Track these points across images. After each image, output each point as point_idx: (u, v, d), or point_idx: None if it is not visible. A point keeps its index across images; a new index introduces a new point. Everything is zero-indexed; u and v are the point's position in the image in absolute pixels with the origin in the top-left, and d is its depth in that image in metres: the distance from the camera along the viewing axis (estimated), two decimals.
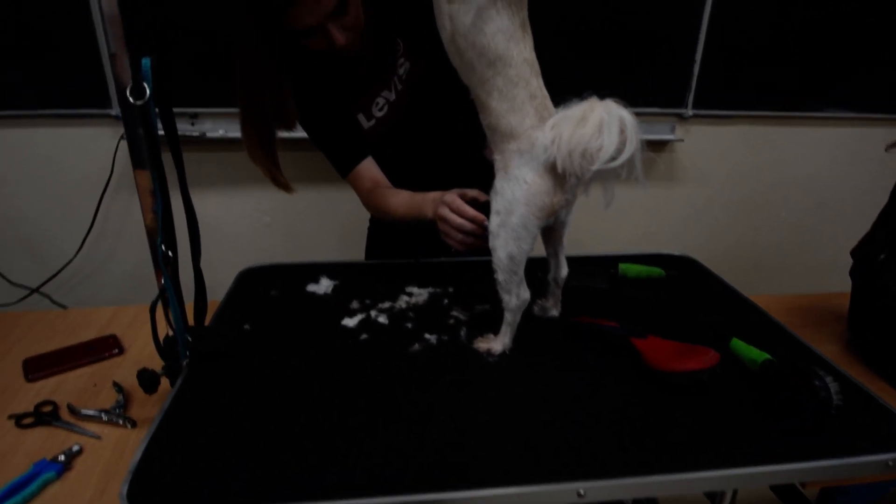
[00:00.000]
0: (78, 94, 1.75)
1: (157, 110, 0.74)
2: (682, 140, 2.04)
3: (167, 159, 0.79)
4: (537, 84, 0.83)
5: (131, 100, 0.70)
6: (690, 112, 1.97)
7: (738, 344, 0.92)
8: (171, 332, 0.90)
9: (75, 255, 1.93)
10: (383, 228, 1.36)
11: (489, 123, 0.85)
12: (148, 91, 0.70)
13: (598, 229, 1.98)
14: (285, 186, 1.12)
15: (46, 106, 1.76)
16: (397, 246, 1.34)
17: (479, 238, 0.96)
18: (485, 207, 0.96)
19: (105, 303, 2.05)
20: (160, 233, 0.78)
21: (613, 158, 0.74)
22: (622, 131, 0.75)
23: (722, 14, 1.84)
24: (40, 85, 1.73)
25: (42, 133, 1.82)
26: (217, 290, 1.22)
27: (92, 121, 1.80)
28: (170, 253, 0.80)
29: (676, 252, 1.35)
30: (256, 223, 2.04)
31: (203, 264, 0.90)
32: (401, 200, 1.12)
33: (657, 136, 2.01)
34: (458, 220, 0.97)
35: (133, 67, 0.71)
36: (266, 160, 1.07)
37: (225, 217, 1.99)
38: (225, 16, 0.97)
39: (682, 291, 1.17)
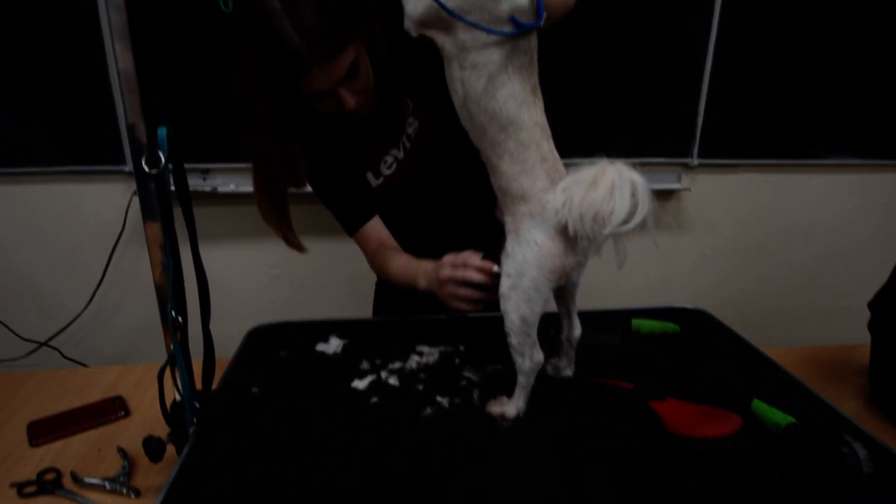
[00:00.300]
0: (93, 150, 1.79)
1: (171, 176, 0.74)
2: (689, 189, 2.05)
3: (177, 215, 0.80)
4: (548, 147, 0.83)
5: (146, 169, 0.71)
6: (696, 161, 1.98)
7: (759, 406, 0.90)
8: (178, 397, 0.88)
9: (84, 309, 1.93)
10: (390, 284, 1.36)
11: (500, 186, 0.85)
12: (163, 160, 0.71)
13: (606, 278, 1.96)
14: (298, 247, 1.12)
15: (61, 162, 1.80)
16: (405, 302, 1.33)
17: (489, 289, 0.93)
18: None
19: (113, 356, 2.05)
20: (171, 298, 0.78)
21: (625, 222, 0.74)
22: (633, 194, 0.75)
23: (723, 65, 1.88)
24: (56, 142, 1.77)
25: (56, 189, 1.85)
26: (225, 343, 1.21)
27: (106, 177, 1.84)
28: (179, 318, 0.80)
29: (689, 305, 1.33)
30: (265, 276, 2.04)
31: (211, 318, 0.90)
32: (398, 266, 1.12)
33: (664, 186, 2.02)
34: (463, 273, 0.94)
35: (149, 136, 0.72)
36: (279, 221, 1.07)
37: (234, 269, 2.00)
38: (237, 78, 0.99)
39: (697, 348, 1.14)
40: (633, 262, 0.78)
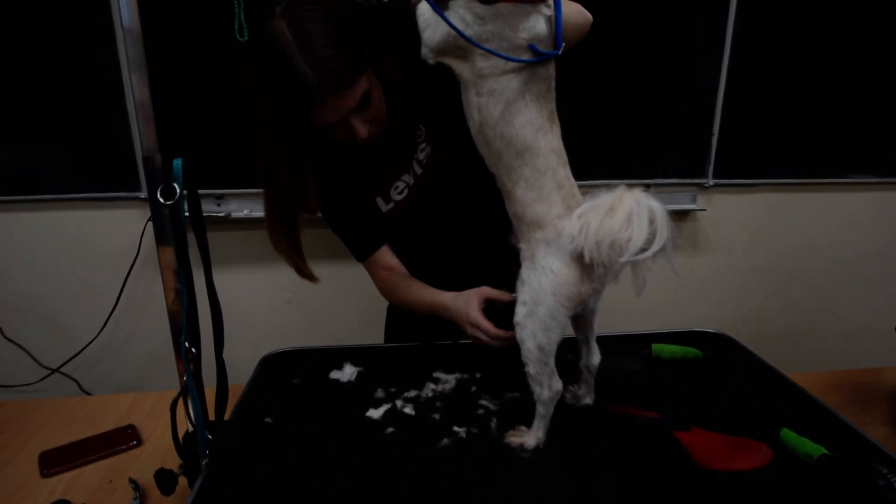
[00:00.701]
0: (108, 177, 1.81)
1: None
2: (705, 209, 2.03)
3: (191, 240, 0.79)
4: (565, 173, 0.82)
5: (161, 200, 0.71)
6: (711, 182, 1.96)
7: (789, 435, 0.86)
8: (191, 428, 0.87)
9: (98, 334, 1.94)
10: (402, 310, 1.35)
11: (515, 212, 0.84)
12: (178, 191, 0.71)
13: (621, 298, 1.92)
14: (309, 277, 1.11)
15: (77, 190, 1.81)
16: (417, 327, 1.31)
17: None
18: (503, 309, 0.94)
19: (127, 381, 2.04)
20: (184, 329, 0.77)
21: (643, 249, 0.72)
22: (652, 221, 0.73)
23: (737, 85, 1.87)
24: (72, 169, 1.79)
25: (72, 215, 1.87)
26: (238, 367, 1.20)
27: (121, 203, 1.85)
28: (193, 349, 0.79)
29: (711, 329, 1.30)
30: (277, 300, 2.04)
31: (224, 343, 0.89)
32: (417, 299, 1.11)
33: (680, 206, 2.00)
34: (498, 343, 0.97)
35: (165, 167, 0.72)
36: (291, 252, 1.07)
37: (247, 293, 1.99)
38: (250, 110, 0.99)
39: (720, 374, 1.11)
40: (648, 281, 0.76)
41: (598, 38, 1.70)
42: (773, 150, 1.99)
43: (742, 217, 2.09)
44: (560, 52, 0.77)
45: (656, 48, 1.81)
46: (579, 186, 1.98)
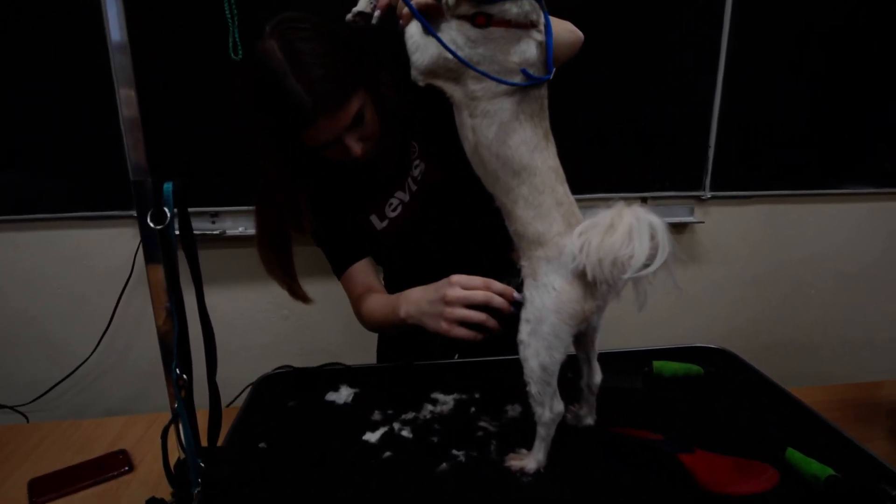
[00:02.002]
0: (101, 196, 1.79)
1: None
2: (703, 222, 2.02)
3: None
4: (563, 191, 0.81)
5: (151, 225, 0.69)
6: (709, 194, 1.96)
7: (794, 455, 0.84)
8: (182, 455, 0.85)
9: (91, 354, 1.91)
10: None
11: (516, 230, 0.83)
12: (168, 215, 0.70)
13: (620, 312, 1.91)
14: (303, 298, 1.10)
15: (72, 208, 1.80)
16: (409, 346, 1.29)
17: (503, 319, 0.86)
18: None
19: (120, 400, 2.01)
20: (175, 356, 0.75)
21: (645, 266, 0.71)
22: (653, 237, 0.72)
23: (733, 97, 1.87)
24: (64, 188, 1.78)
25: (66, 234, 1.85)
26: (234, 385, 1.18)
27: (115, 221, 1.83)
28: (184, 376, 0.77)
29: (712, 344, 1.28)
30: (273, 315, 2.01)
31: (219, 358, 0.87)
32: (377, 302, 1.04)
33: (678, 219, 1.99)
34: (484, 295, 0.85)
35: (155, 191, 0.71)
36: (283, 273, 1.06)
37: (242, 311, 1.97)
38: (244, 129, 0.98)
39: (723, 391, 1.10)
40: (653, 290, 0.75)
41: (593, 52, 1.71)
42: (770, 162, 1.99)
43: (740, 229, 2.08)
44: (551, 77, 0.77)
45: (651, 62, 1.81)
46: (577, 200, 1.97)
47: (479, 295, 0.85)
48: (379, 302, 1.07)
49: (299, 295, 1.10)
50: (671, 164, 1.93)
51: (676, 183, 1.94)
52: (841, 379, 2.24)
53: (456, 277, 0.89)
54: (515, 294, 0.85)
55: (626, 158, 1.89)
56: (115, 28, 0.72)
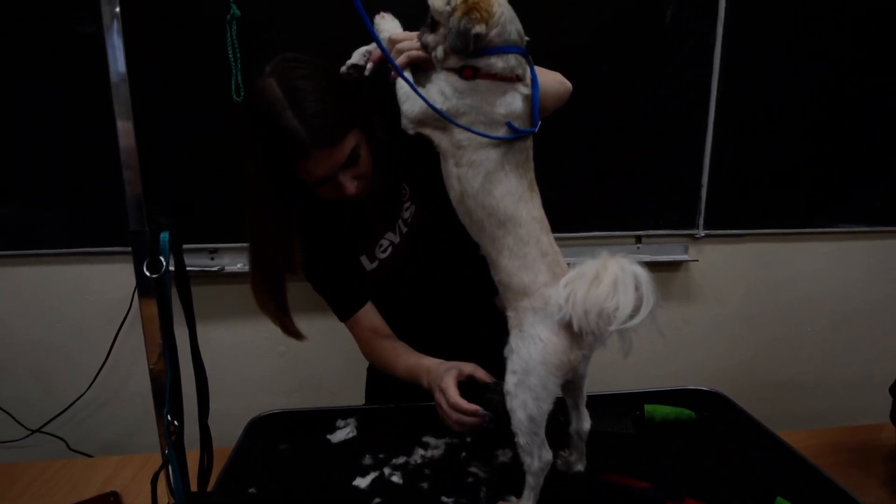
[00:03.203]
0: (101, 231, 1.81)
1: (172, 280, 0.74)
2: (697, 260, 2.03)
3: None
4: (548, 241, 0.83)
5: (147, 274, 0.71)
6: (702, 232, 1.97)
7: None
8: (172, 501, 0.85)
9: (87, 390, 1.91)
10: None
11: (501, 280, 0.85)
12: (164, 264, 0.71)
13: (612, 352, 1.91)
14: (296, 335, 1.11)
15: (72, 244, 1.82)
16: (397, 388, 1.30)
17: (479, 426, 0.93)
18: (484, 389, 0.94)
19: (115, 436, 2.00)
20: (167, 402, 0.76)
21: (631, 317, 0.73)
22: (637, 288, 0.74)
23: (725, 136, 1.90)
24: (64, 224, 1.80)
25: (65, 269, 1.86)
26: (229, 422, 1.18)
27: (114, 257, 1.85)
28: (175, 422, 0.77)
29: (704, 387, 1.29)
30: (270, 352, 2.01)
31: (214, 395, 0.87)
32: (399, 362, 1.10)
33: (671, 257, 2.00)
34: (454, 416, 0.93)
35: (152, 240, 0.73)
36: (276, 310, 1.07)
37: (239, 345, 1.98)
38: (239, 165, 1.01)
39: (714, 436, 1.10)
40: (641, 334, 0.76)
41: (588, 92, 1.76)
42: (763, 201, 2.01)
43: (735, 267, 2.09)
44: (536, 130, 0.80)
45: (644, 102, 1.85)
46: (571, 239, 1.99)
47: (452, 416, 0.93)
48: (401, 354, 1.11)
49: (292, 331, 1.11)
50: (665, 202, 1.95)
51: (670, 221, 1.96)
52: (837, 419, 2.22)
53: (444, 383, 0.96)
54: (480, 410, 0.91)
55: (620, 197, 1.92)
56: (116, 60, 0.75)
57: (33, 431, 1.92)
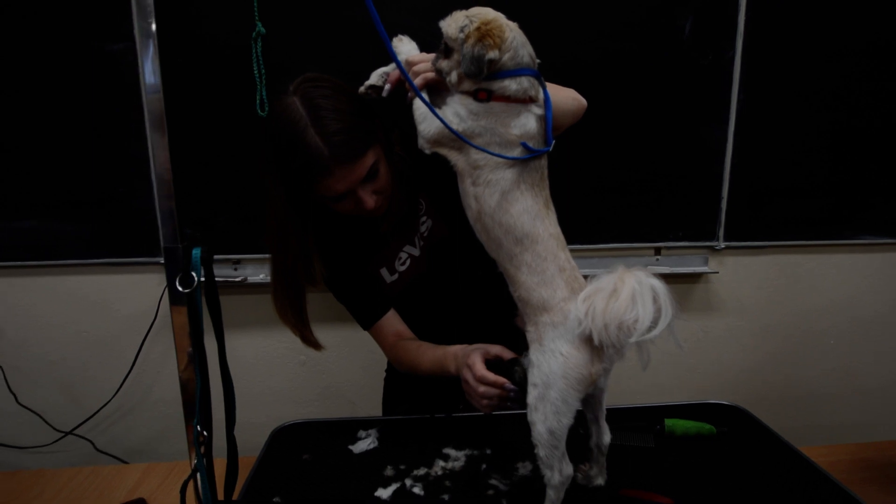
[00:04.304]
0: (129, 243, 1.86)
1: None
2: (717, 272, 2.02)
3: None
4: (565, 257, 0.84)
5: (180, 289, 0.73)
6: (723, 244, 1.96)
7: None
8: None
9: (113, 397, 1.95)
10: (400, 379, 1.35)
11: (520, 296, 0.86)
12: (196, 280, 0.74)
13: (633, 363, 1.90)
14: (315, 345, 1.14)
15: (98, 255, 1.87)
16: (414, 397, 1.31)
17: (504, 400, 0.95)
18: (509, 365, 0.95)
19: (138, 442, 2.04)
20: (197, 413, 0.78)
21: (650, 329, 0.74)
22: (655, 300, 0.75)
23: (745, 148, 1.90)
24: (93, 234, 1.85)
25: (91, 280, 1.92)
26: (251, 431, 1.21)
27: (141, 268, 1.90)
28: (204, 433, 0.80)
29: (725, 401, 1.28)
30: (291, 361, 2.04)
31: (237, 404, 0.89)
32: (425, 356, 1.11)
33: (691, 269, 2.00)
34: (481, 388, 0.96)
35: (184, 256, 0.75)
36: (296, 321, 1.10)
37: (261, 355, 2.01)
38: (259, 181, 1.04)
39: (735, 452, 1.09)
40: (660, 346, 0.76)
41: (606, 106, 1.77)
42: (784, 212, 1.99)
43: (755, 279, 2.08)
44: (550, 149, 0.81)
45: (664, 114, 1.85)
46: (590, 250, 1.99)
47: (478, 389, 0.96)
48: (426, 355, 1.12)
49: (311, 342, 1.14)
50: (684, 214, 1.94)
51: (690, 233, 1.96)
52: (860, 432, 2.18)
53: (470, 359, 0.99)
54: (507, 384, 0.94)
55: (640, 209, 1.92)
56: (150, 72, 0.77)
57: (66, 433, 1.97)
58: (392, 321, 1.20)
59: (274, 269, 1.10)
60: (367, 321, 1.20)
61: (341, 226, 1.14)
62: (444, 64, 0.84)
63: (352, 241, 1.16)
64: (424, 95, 0.85)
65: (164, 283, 1.93)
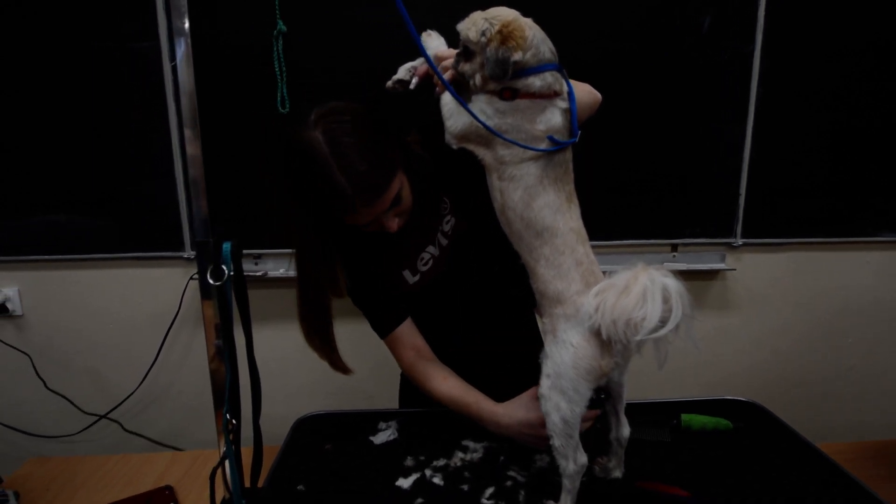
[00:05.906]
0: (154, 238, 1.91)
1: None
2: (735, 269, 2.02)
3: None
4: (583, 251, 0.86)
5: (211, 282, 0.76)
6: (740, 241, 1.96)
7: None
8: (227, 495, 0.90)
9: (137, 387, 2.00)
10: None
11: (538, 288, 0.88)
12: (227, 273, 0.77)
13: (650, 360, 1.90)
14: (343, 370, 1.13)
15: (124, 249, 1.91)
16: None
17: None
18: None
19: (162, 432, 2.09)
20: (227, 402, 0.81)
21: (659, 327, 0.75)
22: (667, 300, 0.76)
23: (764, 144, 1.89)
24: (120, 229, 1.90)
25: (118, 273, 1.96)
26: (273, 423, 1.24)
27: (166, 262, 1.94)
28: (234, 421, 0.83)
29: (742, 397, 1.28)
30: (310, 355, 2.07)
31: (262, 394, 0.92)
32: (449, 394, 1.11)
33: (708, 266, 1.99)
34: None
35: (215, 250, 0.78)
36: (323, 345, 1.10)
37: (280, 349, 2.03)
38: (284, 207, 1.04)
39: (752, 448, 1.09)
40: (677, 344, 0.77)
41: (625, 102, 1.77)
42: (803, 209, 1.98)
43: (773, 276, 2.06)
44: (577, 140, 0.82)
45: (682, 110, 1.85)
46: (607, 246, 1.99)
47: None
48: (453, 393, 1.10)
49: (339, 366, 1.14)
50: (702, 211, 1.94)
51: (707, 230, 1.95)
52: (878, 430, 2.16)
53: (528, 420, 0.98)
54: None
55: (657, 206, 1.92)
56: (184, 73, 0.79)
57: (100, 417, 2.03)
58: (410, 334, 1.18)
59: (300, 294, 1.08)
60: (384, 329, 1.19)
61: (363, 237, 1.12)
62: (466, 67, 0.85)
63: (374, 249, 1.15)
64: (454, 90, 0.86)
65: (187, 277, 2.00)
